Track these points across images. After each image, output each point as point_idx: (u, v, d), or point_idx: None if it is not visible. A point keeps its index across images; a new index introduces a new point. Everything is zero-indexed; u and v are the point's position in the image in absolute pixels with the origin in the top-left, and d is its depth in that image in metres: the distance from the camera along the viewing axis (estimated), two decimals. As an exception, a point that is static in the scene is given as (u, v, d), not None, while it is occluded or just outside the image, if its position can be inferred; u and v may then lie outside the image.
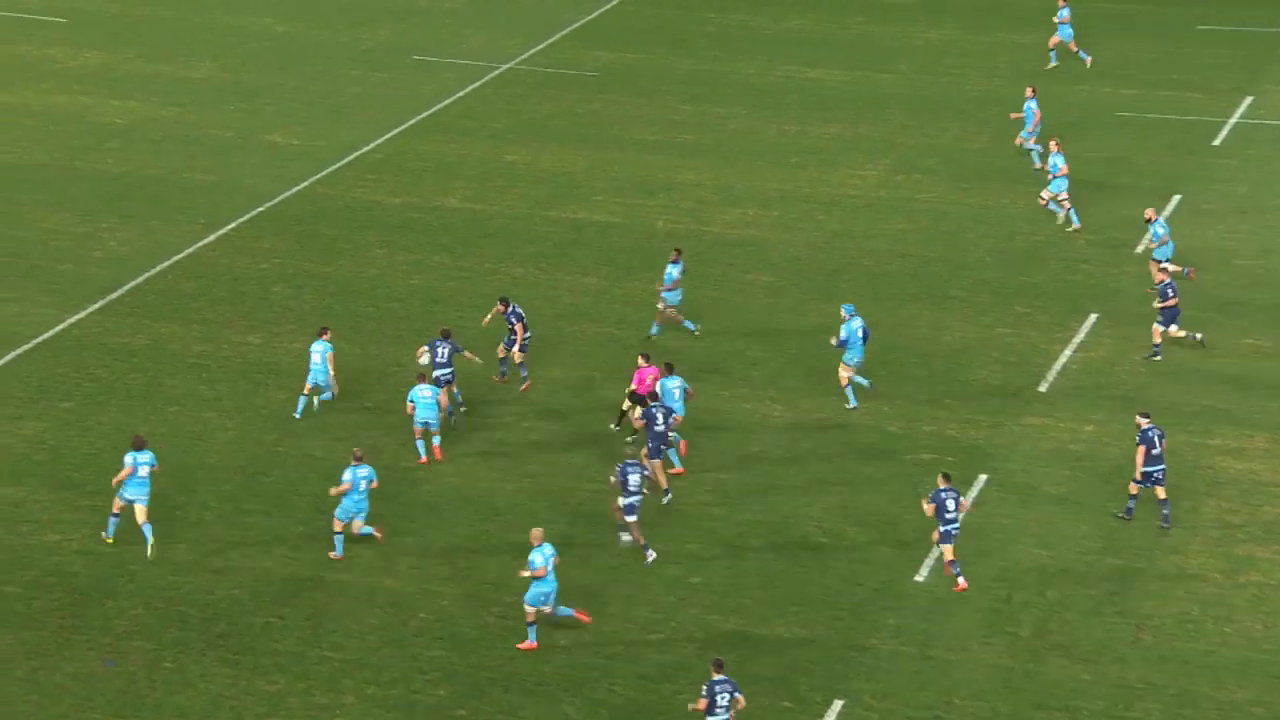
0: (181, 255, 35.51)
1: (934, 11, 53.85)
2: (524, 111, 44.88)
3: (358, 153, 41.61)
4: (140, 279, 34.44)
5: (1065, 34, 46.91)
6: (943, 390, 31.43)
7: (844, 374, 30.48)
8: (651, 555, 26.15)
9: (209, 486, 27.51)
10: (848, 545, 26.87)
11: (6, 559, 25.67)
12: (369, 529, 26.23)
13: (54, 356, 31.17)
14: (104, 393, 30.16)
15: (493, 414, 30.23)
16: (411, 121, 43.77)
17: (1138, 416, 27.55)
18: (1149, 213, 35.16)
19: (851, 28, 52.72)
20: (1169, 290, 32.15)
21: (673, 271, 32.51)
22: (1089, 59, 46.89)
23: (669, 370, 29.03)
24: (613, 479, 26.24)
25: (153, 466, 25.92)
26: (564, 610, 24.46)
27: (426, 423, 28.44)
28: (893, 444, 29.69)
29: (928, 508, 25.74)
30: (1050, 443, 29.51)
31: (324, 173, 40.15)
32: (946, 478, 25.96)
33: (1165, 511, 27.33)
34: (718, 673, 21.94)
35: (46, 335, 31.92)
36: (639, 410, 28.35)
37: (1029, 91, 40.96)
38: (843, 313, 30.73)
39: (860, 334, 30.42)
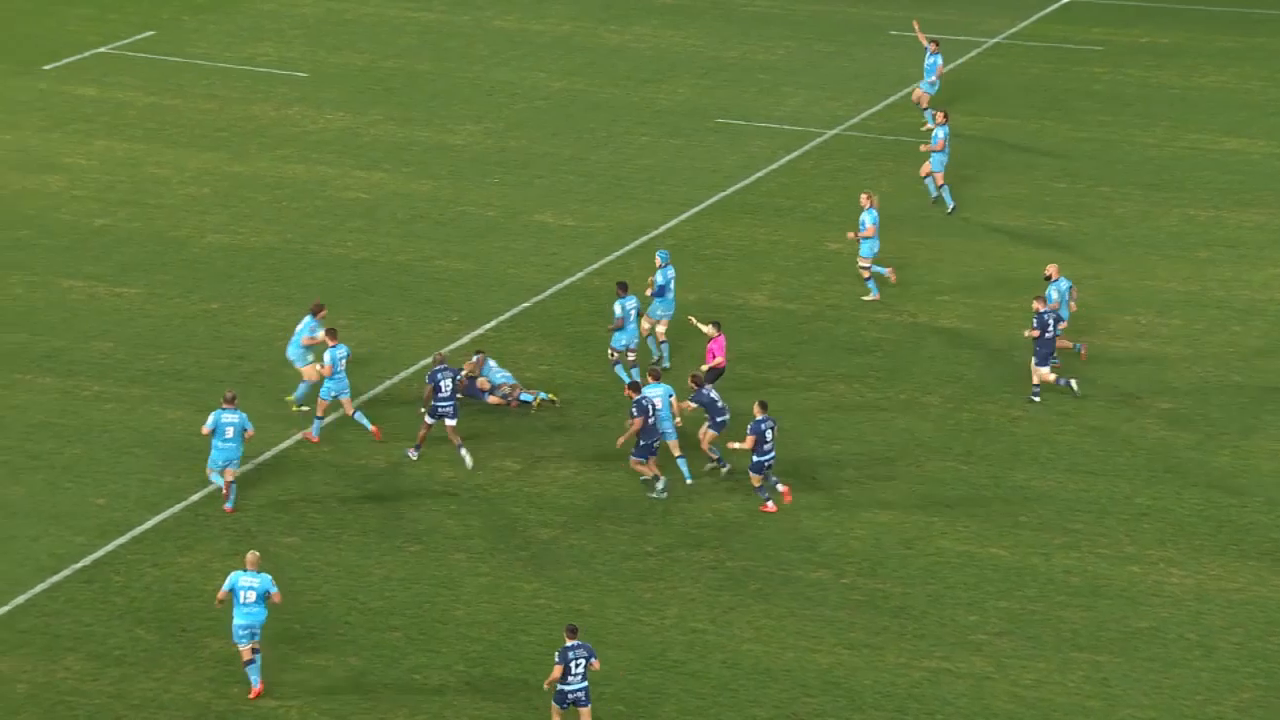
0: (430, 359, 36.51)
1: (1390, 64, 52.33)
2: (851, 188, 45.03)
3: (645, 237, 42.33)
4: (380, 388, 35.51)
5: (928, 87, 47.24)
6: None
7: (659, 329, 35.11)
8: (413, 454, 32.42)
9: (455, 647, 28.00)
10: (1267, 758, 25.90)
11: (211, 725, 26.54)
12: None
13: (277, 481, 32.30)
14: (334, 526, 31.07)
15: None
16: (712, 199, 44.36)
17: None
18: (1051, 269, 35.75)
19: (1283, 86, 51.71)
20: (1048, 318, 34.40)
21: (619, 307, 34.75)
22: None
23: (655, 378, 32.15)
24: (428, 384, 32.03)
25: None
26: (256, 658, 26.47)
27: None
28: (1329, 626, 28.51)
29: (748, 440, 30.79)
30: None
31: (603, 261, 40.91)
32: (764, 406, 31.05)
33: None
34: (571, 638, 25.50)
35: (269, 454, 33.11)
36: (635, 407, 31.60)
37: (940, 116, 42.82)
38: (657, 259, 35.60)
39: (672, 284, 35.30)
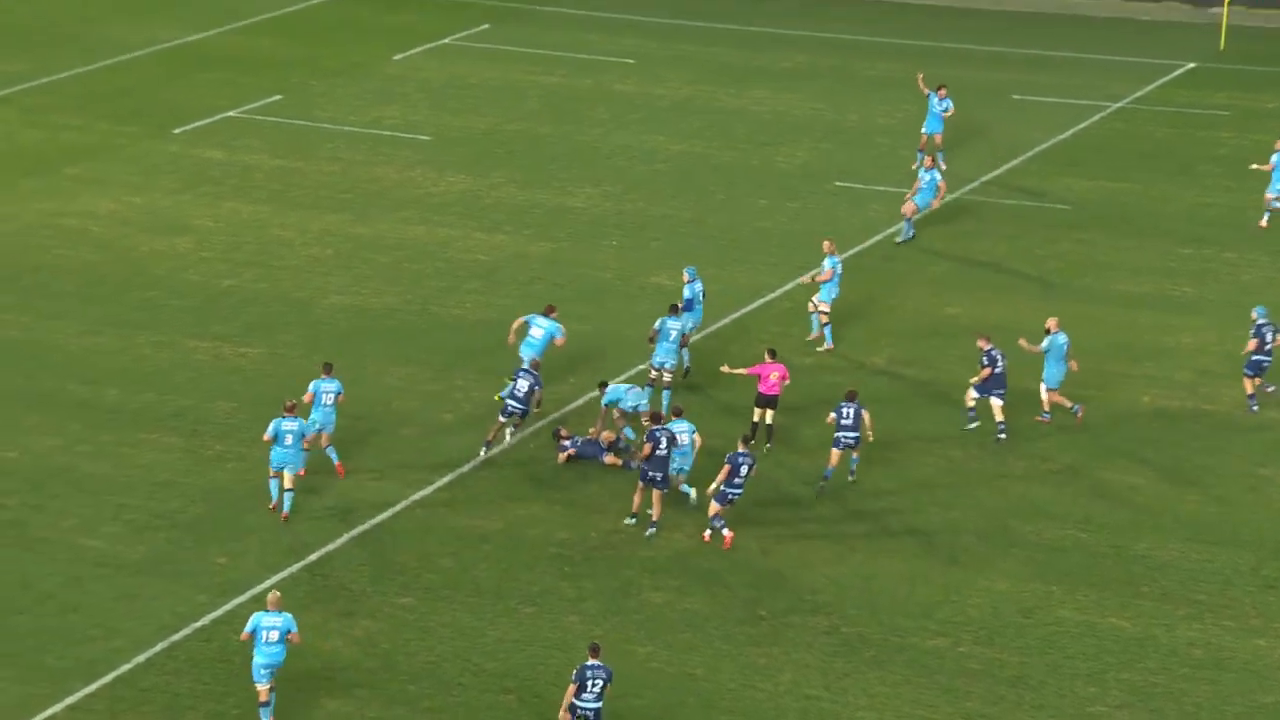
0: (545, 422, 36.49)
1: None
2: (972, 252, 44.79)
3: (762, 300, 42.25)
4: (497, 448, 35.59)
5: (937, 127, 48.23)
6: None
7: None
8: (483, 454, 34.38)
9: (566, 709, 27.93)
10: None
11: (324, 784, 26.63)
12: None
13: (393, 541, 32.47)
14: (448, 587, 31.17)
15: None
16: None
17: None
18: (1050, 323, 36.19)
19: None
20: (996, 354, 35.40)
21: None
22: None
23: (677, 414, 33.13)
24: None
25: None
26: (271, 699, 26.91)
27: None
28: None
29: (724, 470, 31.59)
30: None
31: (719, 324, 40.83)
32: (745, 440, 31.94)
33: None
34: (593, 657, 26.40)
35: (385, 515, 33.30)
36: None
37: (928, 161, 45.07)
38: (685, 275, 38.09)
39: (701, 298, 37.81)
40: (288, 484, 32.51)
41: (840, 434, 33.56)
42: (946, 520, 33.15)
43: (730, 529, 32.03)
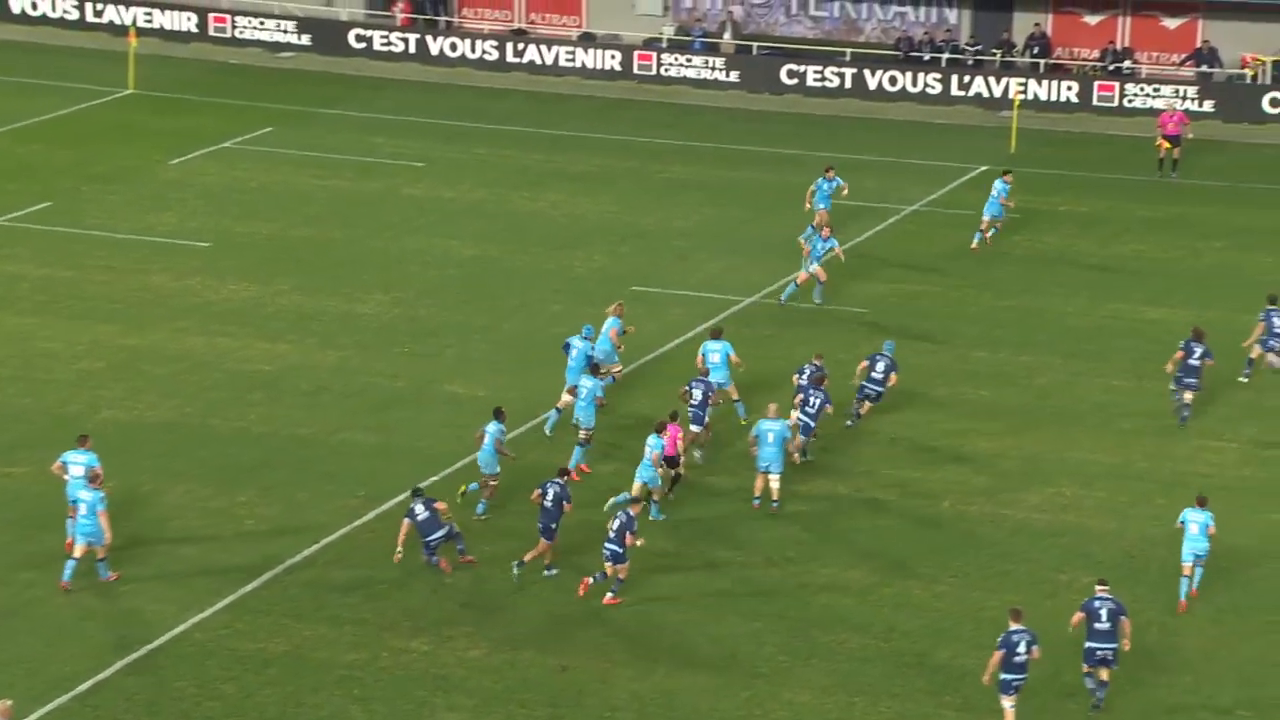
0: (333, 537, 35.95)
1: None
2: (770, 356, 44.97)
3: (557, 411, 41.97)
4: (281, 567, 34.90)
5: (824, 202, 51.37)
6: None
7: (566, 398, 39.48)
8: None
9: (354, 840, 27.23)
10: None
11: None
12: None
13: (170, 666, 31.55)
14: (231, 713, 30.33)
15: None
16: (629, 368, 44.14)
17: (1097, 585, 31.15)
18: (771, 409, 37.88)
19: (1206, 255, 52.27)
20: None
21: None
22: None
23: (659, 430, 36.57)
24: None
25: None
26: None
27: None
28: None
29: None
30: None
31: (515, 432, 40.49)
32: (635, 502, 34.39)
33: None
34: None
35: (162, 639, 32.35)
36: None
37: (826, 231, 47.80)
38: (583, 332, 40.93)
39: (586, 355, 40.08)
40: (78, 553, 32.94)
41: (801, 416, 38.53)
42: (749, 631, 33.01)
43: (586, 584, 33.72)
